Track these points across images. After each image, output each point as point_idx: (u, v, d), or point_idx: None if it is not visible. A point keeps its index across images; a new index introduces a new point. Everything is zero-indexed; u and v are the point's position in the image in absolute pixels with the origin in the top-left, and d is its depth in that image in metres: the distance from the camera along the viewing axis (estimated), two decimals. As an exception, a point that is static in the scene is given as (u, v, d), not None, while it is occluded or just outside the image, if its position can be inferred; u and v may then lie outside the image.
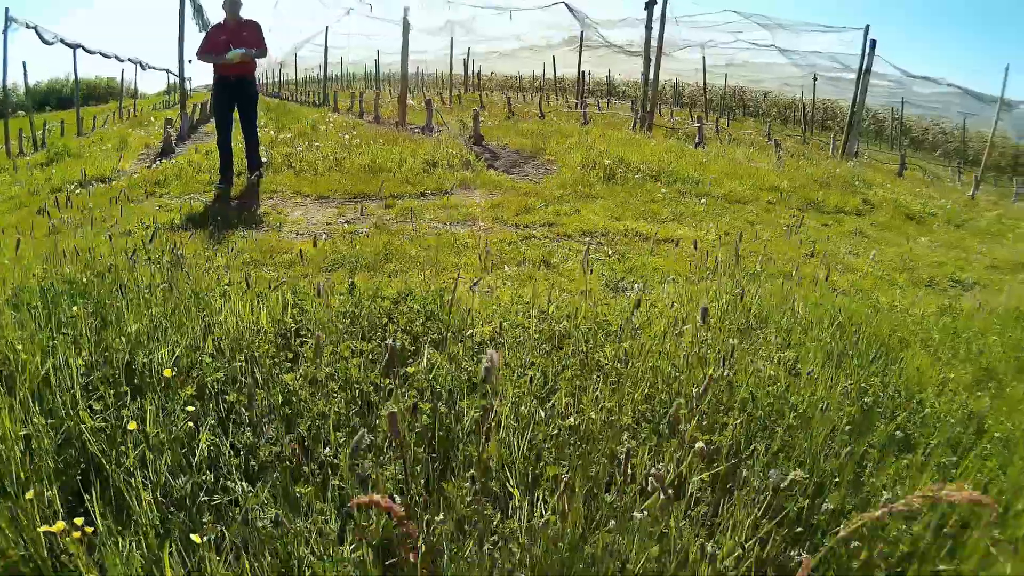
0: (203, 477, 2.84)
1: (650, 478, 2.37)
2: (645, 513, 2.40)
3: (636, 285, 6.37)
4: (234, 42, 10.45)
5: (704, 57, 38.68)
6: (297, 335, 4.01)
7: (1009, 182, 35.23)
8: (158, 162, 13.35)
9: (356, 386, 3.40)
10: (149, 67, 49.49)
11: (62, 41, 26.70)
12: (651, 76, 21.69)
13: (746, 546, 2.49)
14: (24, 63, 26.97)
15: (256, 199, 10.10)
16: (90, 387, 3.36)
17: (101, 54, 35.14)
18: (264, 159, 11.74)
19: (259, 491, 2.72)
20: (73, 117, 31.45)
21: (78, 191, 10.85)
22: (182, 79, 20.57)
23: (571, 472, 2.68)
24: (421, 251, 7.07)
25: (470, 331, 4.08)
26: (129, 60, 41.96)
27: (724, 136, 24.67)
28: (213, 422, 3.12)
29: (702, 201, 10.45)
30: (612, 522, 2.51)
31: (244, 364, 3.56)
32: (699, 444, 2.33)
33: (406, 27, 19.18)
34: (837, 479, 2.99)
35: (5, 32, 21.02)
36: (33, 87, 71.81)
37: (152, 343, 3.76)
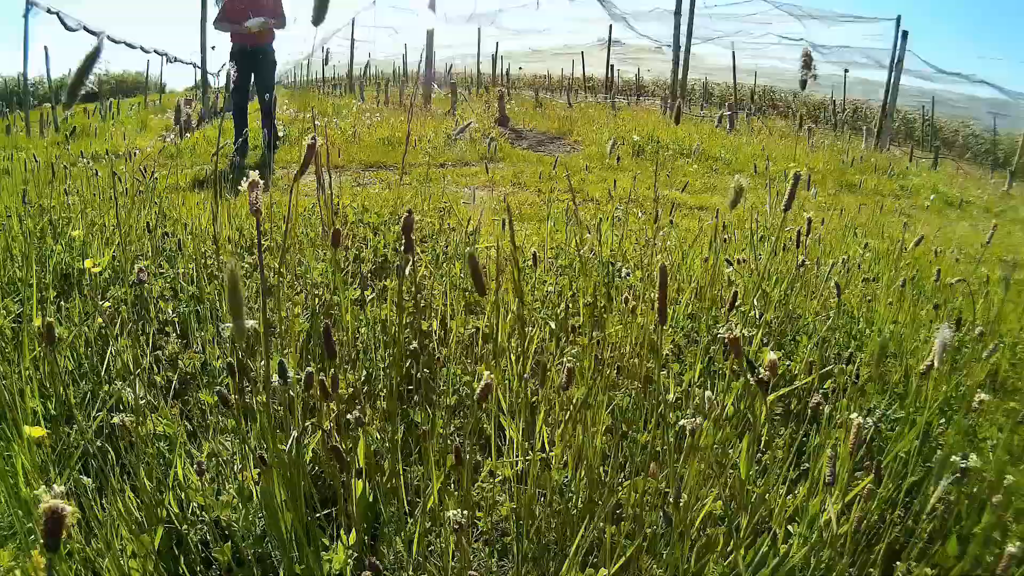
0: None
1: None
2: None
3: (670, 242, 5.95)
4: (254, 8, 10.13)
5: (734, 53, 38.22)
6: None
7: None
8: (174, 138, 13.04)
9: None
10: (176, 59, 49.30)
11: (85, 28, 26.34)
12: (680, 64, 21.33)
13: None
14: (46, 48, 26.82)
15: (270, 168, 9.73)
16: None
17: (126, 44, 34.74)
18: (281, 132, 11.38)
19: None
20: (100, 103, 31.44)
21: (90, 163, 10.60)
22: (204, 67, 20.24)
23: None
24: (438, 202, 6.64)
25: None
26: (155, 52, 41.57)
27: (755, 126, 24.31)
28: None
29: (735, 177, 9.88)
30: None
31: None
32: (770, 355, 1.78)
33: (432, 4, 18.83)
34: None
35: (27, 16, 20.82)
36: (60, 78, 71.90)
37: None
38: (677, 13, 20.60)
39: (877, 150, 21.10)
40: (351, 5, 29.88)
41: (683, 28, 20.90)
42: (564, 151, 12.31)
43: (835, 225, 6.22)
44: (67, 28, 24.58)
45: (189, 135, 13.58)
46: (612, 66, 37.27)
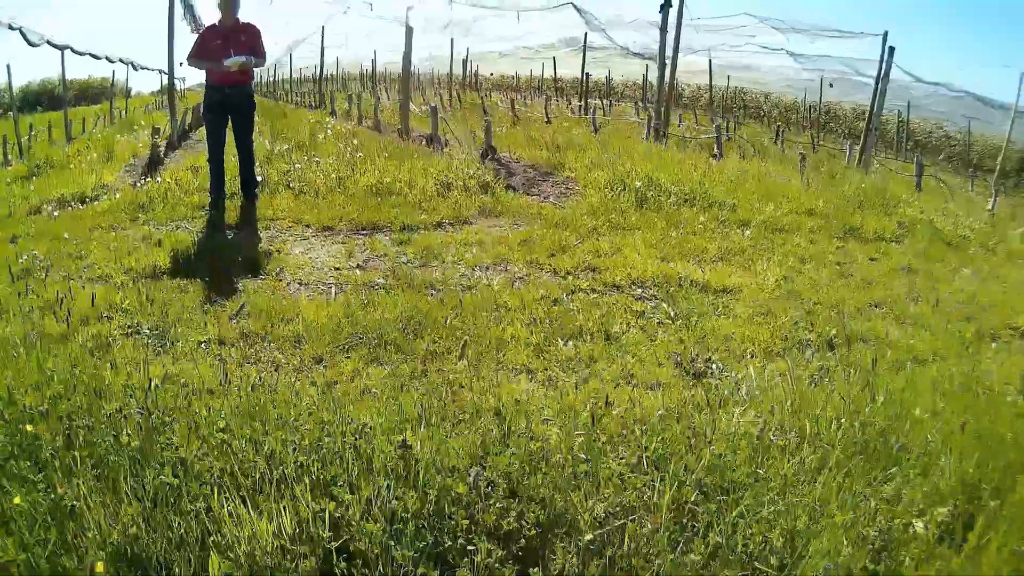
0: None
1: None
2: None
3: (714, 365, 5.32)
4: (231, 47, 9.36)
5: (711, 60, 37.84)
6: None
7: (1015, 188, 34.77)
8: (144, 180, 12.21)
9: None
10: (141, 67, 48.32)
11: (49, 43, 25.53)
12: (666, 82, 20.69)
13: None
14: (8, 66, 25.98)
15: (252, 228, 9.00)
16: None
17: (91, 55, 33.93)
18: (259, 177, 10.62)
19: None
20: (63, 119, 30.53)
21: (56, 213, 9.85)
22: (171, 84, 19.29)
23: None
24: (454, 316, 5.89)
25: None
26: (120, 61, 40.93)
27: (736, 142, 23.77)
28: None
29: (746, 234, 9.40)
30: None
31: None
32: None
33: (409, 32, 18.08)
34: None
35: (-14, 34, 19.97)
36: (25, 86, 71.10)
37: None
38: (663, 30, 19.88)
39: (861, 167, 20.64)
40: (322, 15, 29.02)
41: (668, 48, 20.12)
42: (561, 193, 11.65)
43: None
44: (30, 44, 23.74)
45: (160, 172, 12.84)
46: (588, 75, 36.76)
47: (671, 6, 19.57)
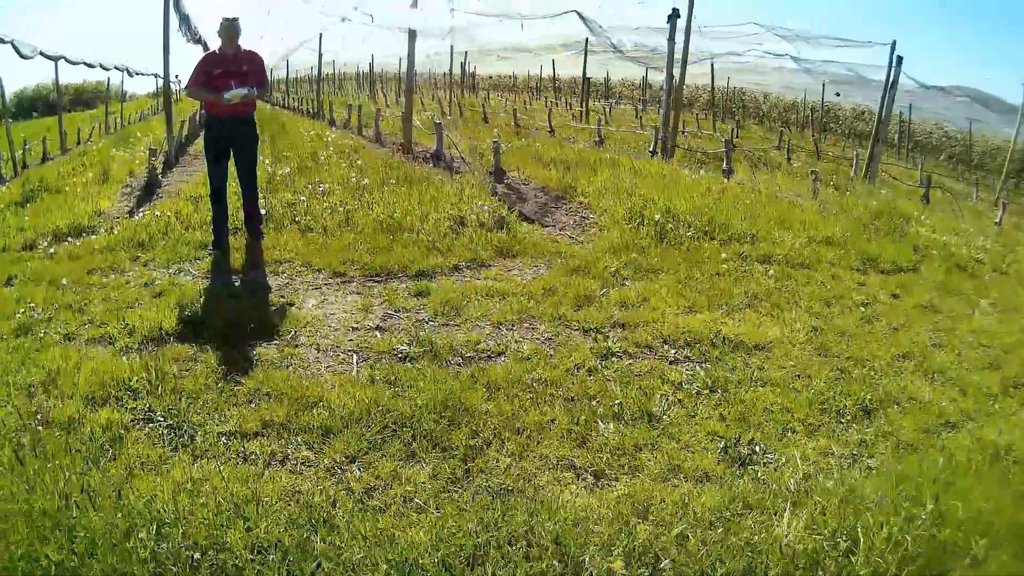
0: None
1: None
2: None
3: (757, 447, 5.03)
4: (232, 76, 8.90)
5: (713, 64, 37.51)
6: None
7: (1016, 188, 34.69)
8: (141, 210, 11.78)
9: None
10: (136, 73, 48.06)
11: (43, 54, 25.12)
12: (673, 93, 20.21)
13: None
14: None
15: (260, 272, 8.59)
16: None
17: (85, 64, 33.51)
18: (263, 210, 10.17)
19: None
20: (59, 127, 30.03)
21: (53, 250, 9.46)
22: (168, 100, 18.83)
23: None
24: (487, 398, 5.50)
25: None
26: (115, 68, 40.48)
27: (742, 151, 23.38)
28: None
29: (769, 273, 9.04)
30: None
31: None
32: None
33: (412, 38, 17.63)
34: None
35: (-25, 48, 19.47)
36: (20, 92, 70.88)
37: None
38: (671, 40, 19.41)
39: (868, 179, 20.98)
40: (320, 22, 28.61)
41: (676, 57, 19.66)
42: (577, 223, 11.29)
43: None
44: (23, 56, 23.30)
45: (158, 199, 12.42)
46: (588, 79, 36.39)
47: (679, 16, 19.14)
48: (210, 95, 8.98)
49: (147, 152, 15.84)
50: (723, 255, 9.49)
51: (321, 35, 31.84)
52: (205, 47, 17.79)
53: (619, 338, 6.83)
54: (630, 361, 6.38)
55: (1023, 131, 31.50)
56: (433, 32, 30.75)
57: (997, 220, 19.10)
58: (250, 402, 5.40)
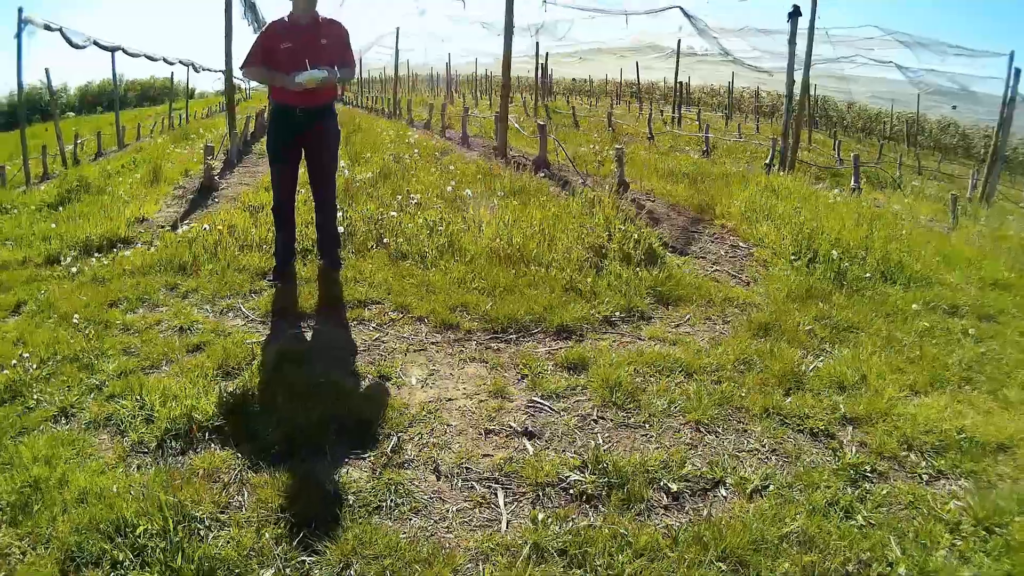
0: None
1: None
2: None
3: None
4: (307, 54, 6.58)
5: (809, 70, 35.69)
6: None
7: None
8: (189, 220, 9.79)
9: None
10: (203, 68, 46.81)
11: (96, 44, 23.42)
12: (795, 100, 18.10)
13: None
14: (47, 70, 24.33)
15: (339, 320, 6.34)
16: None
17: (146, 56, 32.10)
18: (341, 228, 7.96)
19: None
20: (123, 122, 29.00)
21: (76, 268, 7.61)
22: (230, 94, 16.81)
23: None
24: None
25: None
26: (180, 62, 39.18)
27: (872, 170, 21.67)
28: None
29: (969, 331, 7.21)
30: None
31: None
32: None
33: (508, 30, 15.49)
34: None
35: (19, 36, 17.68)
36: (84, 86, 71.98)
37: None
38: (791, 41, 17.26)
39: (983, 203, 19.51)
40: (396, 16, 27.08)
41: (798, 61, 17.57)
42: (730, 255, 9.25)
43: None
44: (73, 45, 21.63)
45: (212, 206, 10.49)
46: (680, 83, 34.69)
47: (800, 14, 17.01)
48: (276, 77, 6.71)
49: (204, 152, 13.87)
50: (913, 306, 7.76)
51: (398, 31, 29.90)
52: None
53: (856, 443, 4.86)
54: (885, 487, 4.39)
55: None
56: (521, 30, 29.05)
57: None
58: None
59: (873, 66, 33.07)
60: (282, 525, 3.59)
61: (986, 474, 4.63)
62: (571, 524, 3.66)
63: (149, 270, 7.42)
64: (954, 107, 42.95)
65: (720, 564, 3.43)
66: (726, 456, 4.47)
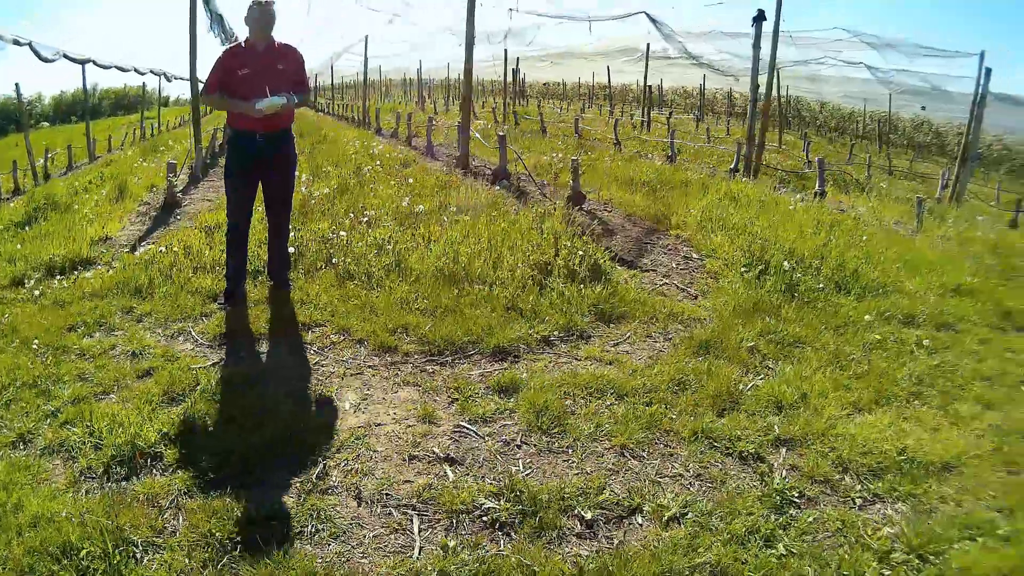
0: None
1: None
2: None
3: None
4: (267, 80, 6.64)
5: (778, 71, 35.81)
6: None
7: None
8: (149, 239, 9.85)
9: None
10: (175, 78, 46.60)
11: (66, 57, 23.43)
12: (759, 105, 18.23)
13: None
14: (17, 85, 24.23)
15: (286, 341, 6.42)
16: None
17: (117, 68, 32.05)
18: (292, 248, 8.02)
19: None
20: (96, 132, 28.95)
21: (39, 291, 7.71)
22: (195, 106, 16.81)
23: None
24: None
25: None
26: (152, 72, 39.03)
27: (838, 173, 21.71)
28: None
29: (923, 342, 7.21)
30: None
31: None
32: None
33: (469, 41, 15.58)
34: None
35: (-12, 51, 17.80)
36: (58, 96, 71.85)
37: None
38: (755, 45, 17.42)
39: (954, 203, 19.61)
40: (365, 25, 27.13)
41: (763, 64, 17.69)
42: (681, 267, 9.27)
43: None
44: (43, 59, 21.67)
45: (174, 219, 10.56)
46: (649, 87, 34.74)
47: (764, 18, 17.30)
48: (236, 104, 6.75)
49: (177, 162, 13.96)
50: (866, 316, 7.76)
51: (367, 39, 29.96)
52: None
53: (787, 467, 4.84)
54: (812, 512, 4.38)
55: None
56: (484, 36, 29.08)
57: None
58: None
59: (844, 67, 33.27)
60: (211, 549, 3.70)
61: (927, 497, 4.64)
62: (481, 552, 3.74)
63: (107, 293, 7.47)
64: (923, 108, 43.28)
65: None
66: (647, 482, 4.50)
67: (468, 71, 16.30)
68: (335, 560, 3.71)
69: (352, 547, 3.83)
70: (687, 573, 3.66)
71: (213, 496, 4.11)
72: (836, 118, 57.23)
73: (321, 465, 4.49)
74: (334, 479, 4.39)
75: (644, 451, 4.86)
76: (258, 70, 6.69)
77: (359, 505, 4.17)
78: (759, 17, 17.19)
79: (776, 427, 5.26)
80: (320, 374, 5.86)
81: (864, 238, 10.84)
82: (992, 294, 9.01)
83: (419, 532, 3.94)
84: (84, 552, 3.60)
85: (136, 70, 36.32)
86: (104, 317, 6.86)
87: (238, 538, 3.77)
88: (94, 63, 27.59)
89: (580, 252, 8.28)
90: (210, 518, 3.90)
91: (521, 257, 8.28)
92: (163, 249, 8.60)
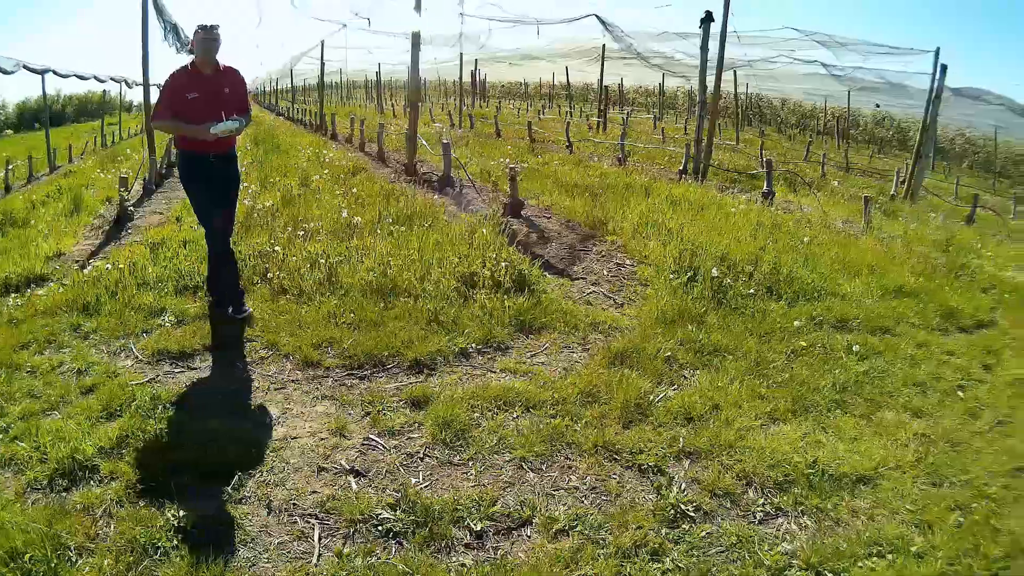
0: None
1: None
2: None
3: None
4: (217, 105, 6.92)
5: (735, 72, 36.06)
6: None
7: None
8: (100, 255, 10.04)
9: None
10: (135, 84, 46.55)
11: (26, 68, 23.64)
12: (707, 105, 18.46)
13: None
14: None
15: (214, 365, 6.61)
16: None
17: (77, 76, 32.14)
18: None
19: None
20: (60, 139, 28.98)
21: None
22: (148, 118, 16.94)
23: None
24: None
25: None
26: (112, 79, 39.03)
27: (790, 174, 21.84)
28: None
29: (853, 348, 7.28)
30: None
31: None
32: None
33: (416, 46, 15.79)
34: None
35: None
36: (22, 103, 71.21)
37: None
38: (703, 48, 17.67)
39: (909, 199, 20.21)
40: (320, 31, 27.35)
41: (710, 66, 17.90)
42: (613, 274, 9.45)
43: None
44: (4, 72, 21.92)
45: (126, 232, 10.74)
46: (606, 88, 34.89)
47: (712, 20, 17.55)
48: (189, 128, 6.96)
49: (128, 174, 14.12)
50: (796, 322, 7.82)
51: (323, 44, 30.04)
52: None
53: (689, 480, 4.94)
54: (708, 527, 4.50)
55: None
56: (440, 40, 29.20)
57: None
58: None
59: (802, 64, 33.50)
60: (136, 554, 3.98)
61: (836, 511, 4.69)
62: (372, 560, 4.01)
63: (57, 310, 7.63)
64: (877, 105, 43.64)
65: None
66: (541, 495, 4.70)
67: (415, 78, 16.55)
68: (243, 565, 3.99)
69: (259, 553, 4.10)
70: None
71: (141, 506, 4.38)
72: (797, 115, 57.62)
73: (237, 476, 4.74)
74: (248, 490, 4.64)
75: (543, 464, 5.06)
76: (206, 94, 6.94)
77: (268, 514, 4.43)
78: (707, 18, 17.44)
79: (682, 439, 5.38)
80: (246, 389, 6.09)
81: (805, 240, 10.96)
82: (936, 294, 9.14)
83: (319, 540, 4.21)
84: (28, 556, 3.89)
85: (96, 77, 36.40)
86: (54, 335, 7.04)
87: (160, 544, 4.05)
88: (54, 72, 27.69)
89: (506, 263, 8.49)
90: (136, 526, 4.16)
91: (448, 269, 8.50)
92: (109, 266, 8.74)
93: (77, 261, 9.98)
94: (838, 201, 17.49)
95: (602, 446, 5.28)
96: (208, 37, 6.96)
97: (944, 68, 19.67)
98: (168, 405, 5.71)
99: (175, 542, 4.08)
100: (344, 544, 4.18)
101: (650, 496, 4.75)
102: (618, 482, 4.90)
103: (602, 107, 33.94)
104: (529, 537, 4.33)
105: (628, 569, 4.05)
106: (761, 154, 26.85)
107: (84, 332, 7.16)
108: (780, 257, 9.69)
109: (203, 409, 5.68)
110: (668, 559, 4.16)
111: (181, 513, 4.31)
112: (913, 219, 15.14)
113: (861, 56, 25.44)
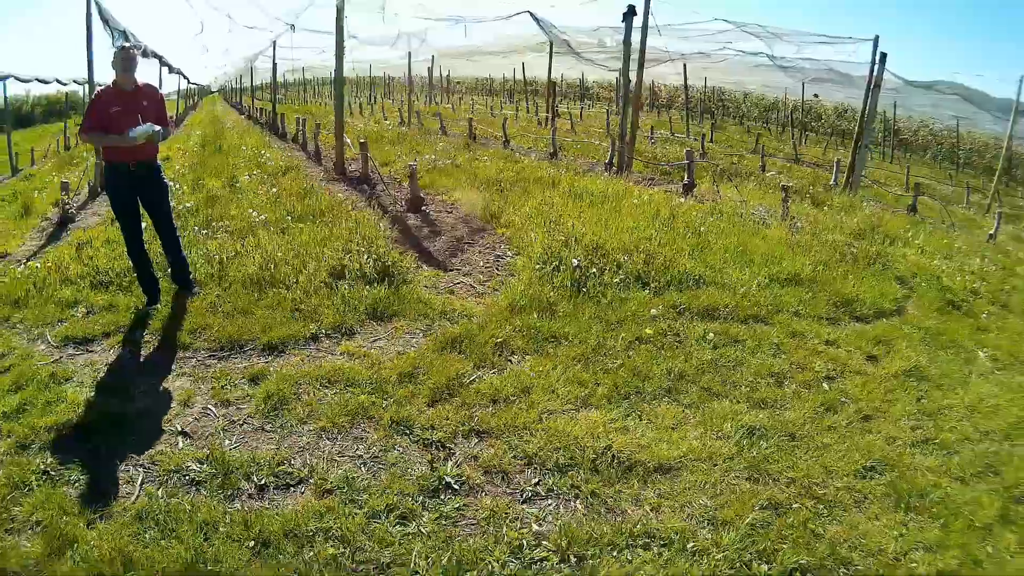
0: None
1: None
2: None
3: None
4: (135, 114, 7.89)
5: (685, 65, 36.61)
6: None
7: (1006, 187, 34.48)
8: (38, 256, 10.93)
9: None
10: (99, 85, 47.15)
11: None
12: (630, 98, 19.05)
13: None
14: None
15: (109, 348, 7.55)
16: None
17: (38, 80, 32.77)
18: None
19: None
20: (26, 141, 29.46)
21: None
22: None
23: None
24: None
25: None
26: (75, 82, 39.59)
27: (712, 164, 22.38)
28: None
29: (708, 336, 7.69)
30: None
31: None
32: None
33: (340, 46, 16.64)
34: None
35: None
36: None
37: None
38: (626, 42, 18.18)
39: (848, 190, 19.67)
40: (268, 33, 27.76)
41: (633, 59, 18.49)
42: (489, 264, 10.23)
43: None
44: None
45: (67, 234, 11.60)
46: (554, 83, 35.51)
47: (635, 14, 17.88)
48: (111, 137, 7.93)
49: (78, 177, 14.94)
50: (652, 310, 8.25)
51: (275, 44, 30.73)
52: (162, 59, 16.78)
53: (469, 456, 5.54)
54: (466, 500, 5.03)
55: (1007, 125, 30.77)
56: (377, 40, 29.91)
57: (991, 232, 18.30)
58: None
59: (751, 56, 33.81)
60: (9, 488, 5.09)
61: (616, 498, 4.94)
62: (174, 501, 4.99)
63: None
64: (815, 95, 44.38)
65: (250, 542, 4.55)
66: (325, 460, 5.45)
67: (339, 80, 17.25)
68: (85, 495, 5.02)
69: (95, 495, 5.06)
70: (310, 533, 4.62)
71: (22, 455, 5.48)
72: (760, 108, 58.23)
73: (101, 435, 5.81)
74: (105, 445, 5.67)
75: (339, 434, 5.85)
76: (127, 107, 7.90)
77: (111, 462, 5.47)
78: (629, 13, 17.77)
79: (478, 417, 5.97)
80: (126, 368, 7.04)
81: (702, 228, 11.40)
82: (833, 283, 9.46)
83: (140, 484, 5.21)
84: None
85: (58, 80, 37.00)
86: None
87: (29, 481, 5.16)
88: (15, 78, 28.34)
89: (373, 256, 9.38)
90: (16, 469, 5.26)
91: (323, 263, 9.37)
92: (38, 265, 9.69)
93: (19, 260, 10.79)
94: (769, 192, 17.47)
95: (398, 421, 5.93)
96: (126, 57, 7.95)
97: (884, 56, 19.27)
98: (62, 381, 6.66)
99: (41, 481, 5.13)
100: (158, 488, 5.15)
101: (423, 468, 5.32)
102: (400, 454, 5.54)
103: (550, 101, 34.53)
104: (302, 493, 5.09)
105: (373, 527, 4.63)
106: (703, 145, 27.54)
107: (12, 323, 8.05)
108: (666, 245, 10.12)
109: (87, 385, 6.64)
110: (414, 523, 4.68)
111: (48, 460, 5.37)
112: (842, 209, 15.34)
113: (795, 46, 25.53)
